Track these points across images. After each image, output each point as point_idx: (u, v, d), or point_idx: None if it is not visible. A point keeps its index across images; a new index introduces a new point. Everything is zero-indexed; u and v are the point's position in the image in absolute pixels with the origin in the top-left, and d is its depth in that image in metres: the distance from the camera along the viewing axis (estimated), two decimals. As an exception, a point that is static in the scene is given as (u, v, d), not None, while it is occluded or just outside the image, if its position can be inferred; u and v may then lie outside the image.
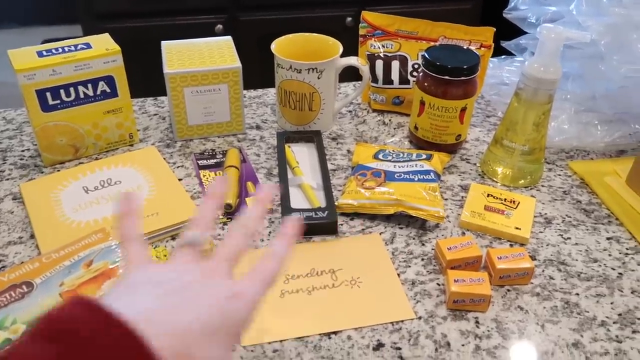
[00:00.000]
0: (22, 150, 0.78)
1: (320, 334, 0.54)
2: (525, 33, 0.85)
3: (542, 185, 0.74)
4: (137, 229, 0.41)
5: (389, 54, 0.84)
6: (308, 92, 0.77)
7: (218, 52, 0.78)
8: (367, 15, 0.84)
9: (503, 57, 0.93)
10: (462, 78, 0.72)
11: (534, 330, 0.55)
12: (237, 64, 0.76)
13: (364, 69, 0.79)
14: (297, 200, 0.69)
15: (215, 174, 0.73)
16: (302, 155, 0.77)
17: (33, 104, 0.69)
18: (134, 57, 1.60)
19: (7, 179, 0.72)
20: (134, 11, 1.65)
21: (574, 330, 0.55)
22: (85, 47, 0.71)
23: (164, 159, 0.76)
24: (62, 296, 0.48)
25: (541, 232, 0.67)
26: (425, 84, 0.74)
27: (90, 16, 1.65)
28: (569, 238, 0.66)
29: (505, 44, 0.87)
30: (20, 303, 0.47)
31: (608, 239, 0.66)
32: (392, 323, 0.55)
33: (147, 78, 1.51)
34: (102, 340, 0.29)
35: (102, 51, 0.71)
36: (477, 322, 0.56)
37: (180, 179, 0.73)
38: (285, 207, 0.66)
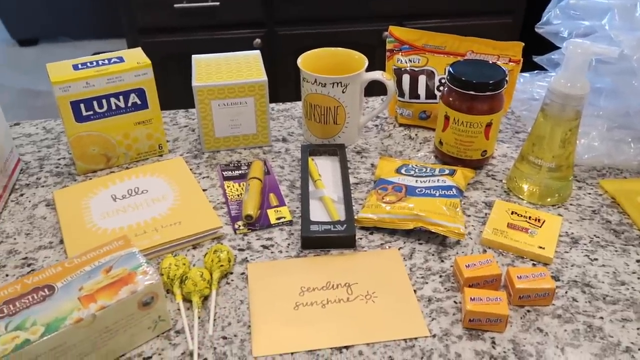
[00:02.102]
0: (58, 159, 0.81)
1: (332, 348, 0.54)
2: (558, 48, 0.83)
3: (571, 204, 0.72)
4: None
5: (416, 69, 0.84)
6: (333, 105, 0.78)
7: (246, 66, 0.80)
8: (394, 30, 0.85)
9: (535, 72, 0.92)
10: (488, 93, 0.71)
11: (553, 353, 0.53)
12: (263, 77, 0.77)
13: (389, 84, 0.79)
14: (316, 213, 0.69)
15: (239, 185, 0.75)
16: (325, 168, 0.78)
17: (68, 115, 0.72)
18: (174, 70, 1.67)
19: (43, 186, 0.76)
20: (175, 26, 1.70)
21: (595, 355, 0.53)
22: (118, 60, 0.74)
23: (191, 169, 0.78)
24: (80, 300, 0.50)
25: (567, 252, 0.65)
26: (450, 98, 0.73)
27: (134, 31, 1.72)
28: (596, 259, 0.64)
29: (537, 59, 0.86)
30: (41, 305, 0.49)
31: (638, 261, 0.63)
32: (405, 340, 0.55)
33: (187, 90, 1.56)
34: None
35: (133, 64, 0.73)
36: (493, 342, 0.54)
37: (205, 190, 0.75)
38: (305, 220, 0.66)
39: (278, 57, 1.74)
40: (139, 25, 1.71)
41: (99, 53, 0.77)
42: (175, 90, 1.49)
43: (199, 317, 0.57)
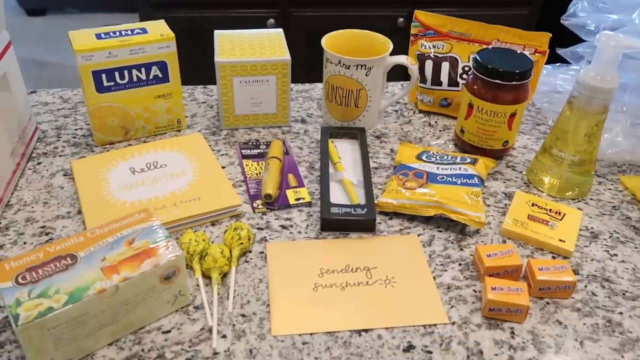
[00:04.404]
0: (76, 129, 0.80)
1: (350, 331, 0.54)
2: (583, 41, 0.82)
3: (591, 199, 0.71)
4: None
5: (440, 55, 0.83)
6: (355, 88, 0.77)
7: (269, 43, 0.79)
8: (420, 15, 0.84)
9: (558, 64, 0.91)
10: (514, 83, 0.70)
11: (571, 346, 0.53)
12: (287, 56, 0.76)
13: (413, 69, 0.78)
14: (336, 195, 0.69)
15: (258, 164, 0.74)
16: (344, 151, 0.77)
17: (89, 85, 0.72)
18: (187, 46, 1.64)
19: (60, 156, 0.75)
20: (189, 1, 1.68)
21: (614, 350, 0.53)
22: (141, 32, 0.73)
23: (209, 146, 0.77)
24: (103, 270, 0.49)
25: (586, 246, 0.64)
26: (475, 87, 0.73)
27: (147, 4, 1.69)
28: (616, 255, 0.63)
29: (561, 51, 0.85)
30: (64, 274, 0.49)
31: (658, 258, 0.63)
32: (424, 326, 0.55)
33: (197, 67, 1.54)
34: None
35: (157, 37, 0.72)
36: (512, 332, 0.54)
37: (223, 167, 0.74)
38: (324, 202, 0.66)
39: (291, 39, 1.72)
40: (153, -1, 1.68)
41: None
42: (186, 66, 1.48)
43: (218, 294, 0.56)
